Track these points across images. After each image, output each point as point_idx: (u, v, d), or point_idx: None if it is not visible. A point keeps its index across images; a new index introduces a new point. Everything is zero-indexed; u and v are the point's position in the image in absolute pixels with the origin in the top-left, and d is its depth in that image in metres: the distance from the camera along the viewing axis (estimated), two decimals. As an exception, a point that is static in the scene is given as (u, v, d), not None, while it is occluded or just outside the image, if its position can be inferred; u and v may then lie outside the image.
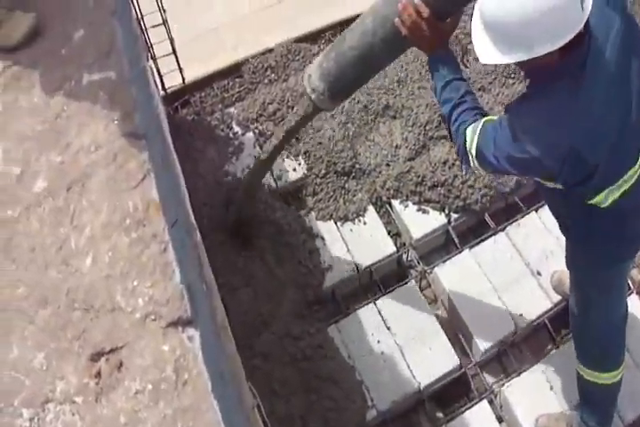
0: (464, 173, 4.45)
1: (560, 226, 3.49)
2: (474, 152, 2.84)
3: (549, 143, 2.61)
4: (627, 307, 3.71)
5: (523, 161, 2.68)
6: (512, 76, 5.33)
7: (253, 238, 4.55)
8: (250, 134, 5.05)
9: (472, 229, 4.91)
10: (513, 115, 2.73)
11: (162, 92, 5.14)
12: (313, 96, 3.41)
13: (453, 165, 4.72)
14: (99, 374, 2.16)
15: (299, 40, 5.72)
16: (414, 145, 4.89)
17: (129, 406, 2.05)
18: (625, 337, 3.78)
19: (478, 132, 2.82)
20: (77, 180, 2.64)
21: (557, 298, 4.48)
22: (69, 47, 3.09)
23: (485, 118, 2.86)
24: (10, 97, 2.95)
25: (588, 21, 2.45)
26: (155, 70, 4.86)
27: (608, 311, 3.61)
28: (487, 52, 2.56)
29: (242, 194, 4.35)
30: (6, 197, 2.65)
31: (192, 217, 3.61)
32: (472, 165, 2.93)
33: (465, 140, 2.87)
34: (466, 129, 2.87)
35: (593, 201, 2.92)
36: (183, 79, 5.23)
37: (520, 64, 2.63)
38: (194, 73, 5.38)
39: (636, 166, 2.90)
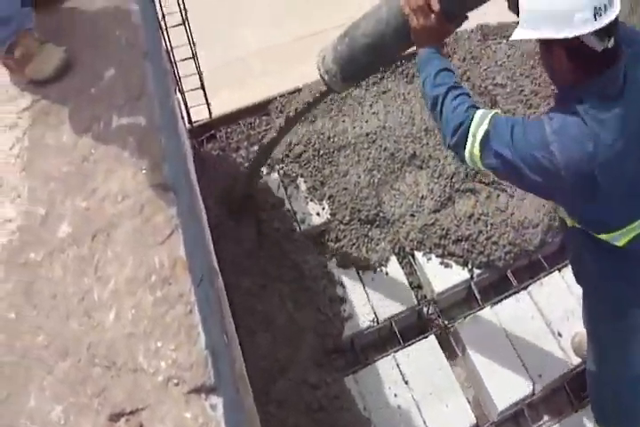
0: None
1: (576, 275, 3.53)
2: (479, 137, 2.83)
3: (572, 156, 2.63)
4: None
5: (539, 163, 2.70)
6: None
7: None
8: (275, 175, 5.06)
9: (494, 285, 4.87)
10: (552, 117, 2.74)
11: (188, 126, 5.16)
12: (326, 77, 3.53)
13: (479, 219, 4.72)
14: (118, 436, 2.13)
15: (328, 82, 5.71)
16: (440, 197, 4.87)
17: None
18: None
19: (489, 119, 2.83)
20: (103, 229, 2.60)
21: (577, 361, 4.44)
22: (99, 86, 3.06)
23: (495, 110, 2.92)
24: (37, 132, 2.93)
25: (622, 49, 2.64)
26: (182, 103, 4.87)
27: (625, 367, 3.57)
28: (515, 30, 2.69)
29: (248, 170, 4.64)
30: (31, 237, 2.61)
31: (215, 262, 3.59)
32: (468, 148, 2.89)
33: (471, 121, 2.86)
34: (474, 111, 2.89)
35: (604, 237, 2.96)
36: (210, 113, 5.26)
37: (543, 58, 2.82)
38: (220, 102, 5.39)
39: None
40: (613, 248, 3.00)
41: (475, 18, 5.99)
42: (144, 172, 2.74)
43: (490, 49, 5.87)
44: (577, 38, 2.51)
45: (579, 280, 3.52)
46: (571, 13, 2.47)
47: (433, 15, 2.92)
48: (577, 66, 2.64)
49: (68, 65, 3.15)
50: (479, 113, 2.86)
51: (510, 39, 2.73)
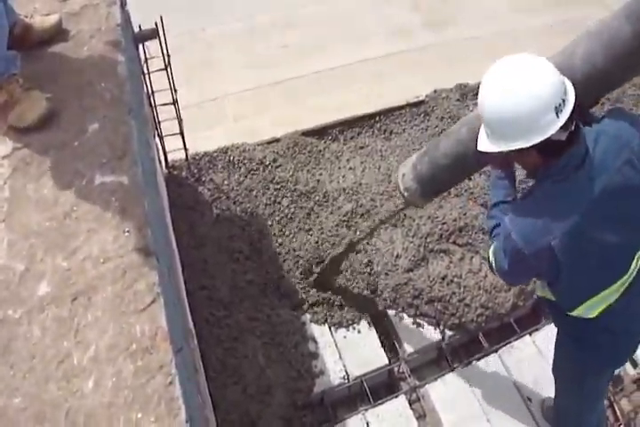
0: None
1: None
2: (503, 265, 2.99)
3: (526, 234, 2.82)
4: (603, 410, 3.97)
5: (510, 252, 2.89)
6: (515, 190, 5.41)
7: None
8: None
9: (465, 346, 4.90)
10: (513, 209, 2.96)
11: (165, 171, 5.19)
12: (406, 194, 3.69)
13: (452, 281, 4.76)
14: None
15: (305, 134, 5.83)
16: (414, 256, 4.91)
17: None
18: None
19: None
20: (83, 291, 2.60)
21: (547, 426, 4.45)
22: (83, 140, 3.07)
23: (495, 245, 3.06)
24: (18, 183, 2.93)
25: (582, 134, 2.80)
26: (160, 148, 4.90)
27: (587, 414, 3.83)
28: (482, 141, 2.86)
29: (328, 268, 4.78)
30: (8, 294, 2.60)
31: (190, 324, 3.60)
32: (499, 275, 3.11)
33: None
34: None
35: (576, 313, 3.10)
36: (187, 157, 5.35)
37: (513, 159, 2.92)
38: (195, 144, 5.47)
39: (618, 283, 3.02)
40: (586, 320, 3.11)
41: (454, 78, 6.14)
42: (127, 235, 2.74)
43: (468, 108, 5.98)
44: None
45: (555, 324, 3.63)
46: (536, 121, 2.59)
47: None
48: (547, 155, 2.75)
49: (52, 114, 3.16)
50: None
51: (479, 149, 2.86)
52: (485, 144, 2.82)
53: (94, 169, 2.96)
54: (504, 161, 3.06)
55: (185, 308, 3.43)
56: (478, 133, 3.01)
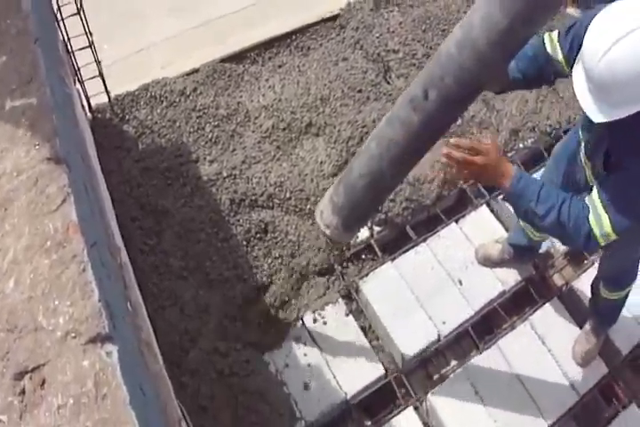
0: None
1: None
2: (609, 229, 2.82)
3: None
4: None
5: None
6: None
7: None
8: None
9: (394, 241, 4.99)
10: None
11: (89, 115, 5.21)
12: (328, 232, 3.42)
13: (374, 179, 4.83)
14: (23, 392, 2.21)
15: (224, 60, 5.82)
16: (337, 161, 5.01)
17: (52, 421, 2.10)
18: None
19: (600, 210, 2.84)
20: (0, 205, 2.68)
21: (479, 306, 4.65)
22: (-7, 74, 3.12)
23: (587, 198, 2.91)
24: None
25: None
26: (82, 93, 4.92)
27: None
28: (595, 110, 2.67)
29: None
30: None
31: (118, 239, 3.68)
32: (605, 242, 2.89)
33: (591, 228, 2.85)
34: (585, 218, 2.87)
35: None
36: (109, 100, 5.32)
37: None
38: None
39: None
40: None
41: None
42: (37, 148, 2.82)
43: (382, 17, 6.04)
44: None
45: None
46: None
47: (490, 152, 2.88)
48: None
49: None
50: (591, 217, 2.86)
51: (597, 121, 2.68)
52: (604, 113, 2.65)
53: (4, 96, 2.99)
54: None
55: (106, 217, 3.50)
56: (389, 144, 2.92)
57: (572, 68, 2.88)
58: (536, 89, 5.40)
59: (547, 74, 3.29)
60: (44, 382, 2.22)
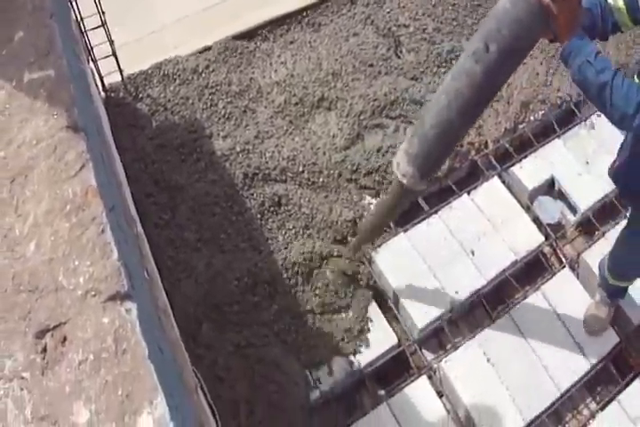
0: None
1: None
2: None
3: None
4: None
5: None
6: (443, 65, 5.53)
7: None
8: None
9: (406, 212, 5.03)
10: None
11: (103, 94, 5.26)
12: (405, 181, 3.57)
13: (387, 152, 4.94)
14: (44, 350, 2.27)
15: (236, 37, 5.86)
16: (349, 135, 5.06)
17: (73, 377, 2.16)
18: None
19: None
20: (20, 172, 2.71)
21: (491, 275, 4.71)
22: (10, 48, 3.15)
23: None
24: (-49, 94, 3.00)
25: None
26: (95, 72, 4.97)
27: None
28: None
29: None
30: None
31: (133, 210, 3.74)
32: None
33: None
34: (638, 89, 2.92)
35: None
36: (122, 79, 5.36)
37: None
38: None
39: None
40: None
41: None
42: (55, 117, 2.87)
43: (391, -7, 6.07)
44: None
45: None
46: None
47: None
48: None
49: None
50: None
51: None
52: None
53: (22, 69, 3.04)
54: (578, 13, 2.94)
55: (122, 187, 3.56)
56: (457, 94, 3.06)
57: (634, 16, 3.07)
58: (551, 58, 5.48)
59: (603, 26, 3.26)
60: (65, 339, 2.28)
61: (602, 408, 4.51)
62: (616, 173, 3.77)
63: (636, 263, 4.20)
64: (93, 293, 2.32)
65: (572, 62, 3.03)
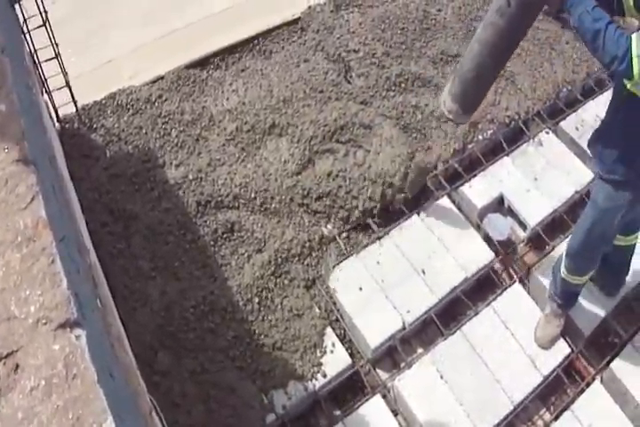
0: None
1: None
2: None
3: None
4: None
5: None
6: (392, 88, 5.64)
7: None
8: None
9: (358, 234, 5.12)
10: None
11: (57, 125, 5.30)
12: (451, 116, 4.34)
13: (337, 176, 5.04)
14: (-3, 378, 2.33)
15: (188, 66, 5.93)
16: (300, 160, 5.15)
17: (25, 403, 2.21)
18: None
19: None
20: (-28, 205, 2.79)
21: (442, 293, 4.80)
22: (-40, 83, 3.22)
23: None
24: None
25: None
26: (50, 103, 5.02)
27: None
28: None
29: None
30: None
31: (87, 241, 3.80)
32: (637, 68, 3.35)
33: (630, 45, 3.29)
34: (628, 37, 3.32)
35: None
36: (77, 110, 5.40)
37: None
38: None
39: None
40: None
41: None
42: (6, 151, 2.93)
43: (342, 18, 6.20)
44: None
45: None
46: None
47: None
48: None
49: None
50: (634, 36, 3.29)
51: None
52: None
53: (-28, 104, 3.12)
54: None
55: (75, 217, 3.61)
56: (486, 43, 3.78)
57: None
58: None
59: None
60: (17, 366, 2.33)
61: (555, 418, 4.61)
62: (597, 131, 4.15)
63: (592, 244, 4.32)
64: (44, 321, 2.37)
65: (574, 11, 3.48)
